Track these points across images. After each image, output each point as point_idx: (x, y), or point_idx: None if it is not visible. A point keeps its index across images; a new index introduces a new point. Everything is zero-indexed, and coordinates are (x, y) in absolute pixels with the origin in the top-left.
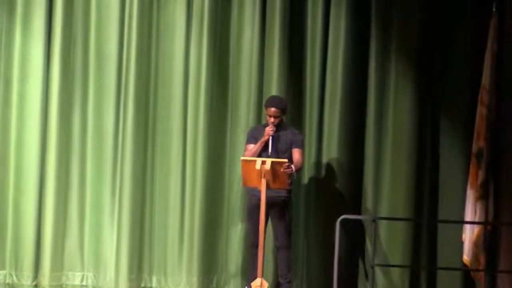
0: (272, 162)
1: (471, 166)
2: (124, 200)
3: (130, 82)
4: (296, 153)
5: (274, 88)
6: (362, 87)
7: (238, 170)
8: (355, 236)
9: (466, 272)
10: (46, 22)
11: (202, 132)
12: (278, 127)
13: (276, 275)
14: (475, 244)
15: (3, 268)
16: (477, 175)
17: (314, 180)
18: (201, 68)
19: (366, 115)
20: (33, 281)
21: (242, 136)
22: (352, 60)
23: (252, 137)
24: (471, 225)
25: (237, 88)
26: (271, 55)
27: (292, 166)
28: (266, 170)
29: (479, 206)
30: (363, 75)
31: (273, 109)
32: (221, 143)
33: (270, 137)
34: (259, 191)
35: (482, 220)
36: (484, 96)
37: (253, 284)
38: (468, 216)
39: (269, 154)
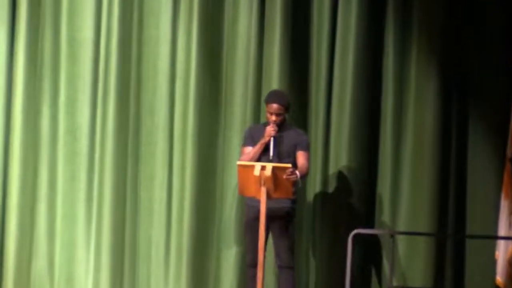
0: (274, 167)
1: (505, 173)
2: (103, 212)
3: (109, 74)
4: (300, 157)
5: (274, 82)
6: (377, 80)
7: (234, 176)
8: (370, 253)
9: None
10: (10, 3)
11: (192, 132)
12: (281, 126)
13: None
14: (510, 263)
15: None
16: None
17: (322, 188)
18: (190, 58)
19: (381, 114)
20: None
21: (237, 137)
22: (365, 49)
23: (250, 138)
24: (506, 241)
25: (232, 81)
26: (271, 44)
27: (297, 172)
28: (267, 177)
29: None
30: (378, 66)
31: (275, 105)
32: (214, 144)
33: (272, 138)
34: (258, 201)
35: None
36: None
37: None
38: (502, 231)
39: (270, 158)
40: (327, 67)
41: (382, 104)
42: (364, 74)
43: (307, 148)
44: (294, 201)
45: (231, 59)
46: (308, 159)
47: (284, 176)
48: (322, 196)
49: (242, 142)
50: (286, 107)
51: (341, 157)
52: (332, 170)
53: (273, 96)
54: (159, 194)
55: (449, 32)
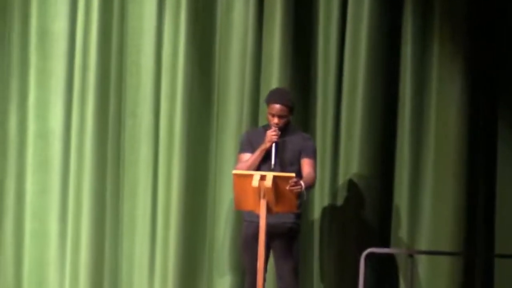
0: (275, 177)
1: None
2: (79, 228)
3: (86, 70)
4: (306, 165)
5: (275, 78)
6: (393, 75)
7: (229, 188)
8: (385, 275)
9: None
10: None
11: (180, 136)
12: (284, 130)
13: None
14: None
15: None
16: None
17: (330, 201)
18: (177, 51)
19: (398, 115)
20: None
21: (233, 142)
22: (379, 38)
23: (248, 144)
24: None
25: (226, 77)
26: (271, 34)
27: (302, 182)
28: (267, 188)
29: None
30: (395, 57)
31: (277, 106)
32: (205, 150)
33: (273, 144)
34: (257, 216)
35: None
36: None
37: None
38: None
39: (272, 166)
40: (336, 61)
41: (399, 103)
42: (379, 69)
43: (313, 155)
44: (298, 216)
45: (225, 52)
46: (315, 167)
47: (287, 187)
48: (331, 209)
49: (239, 148)
50: (290, 108)
51: (352, 165)
52: (342, 179)
53: (275, 96)
54: (143, 207)
55: (475, 21)
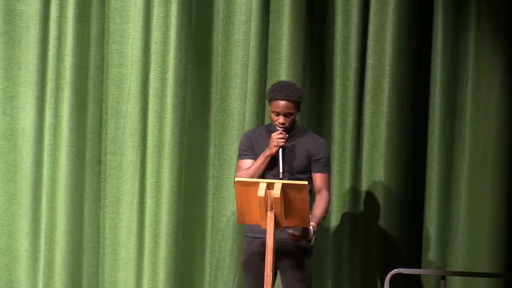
0: (284, 185)
1: None
2: (53, 247)
3: (61, 60)
4: (318, 181)
5: (283, 70)
6: (423, 65)
7: (230, 199)
8: None
9: None
10: None
11: (171, 139)
12: (291, 131)
13: None
14: None
15: None
16: None
17: (350, 215)
18: (168, 37)
19: (429, 113)
20: None
21: (235, 145)
22: (407, 22)
23: (249, 149)
24: None
25: (226, 69)
26: (279, 17)
27: (310, 227)
28: (275, 198)
29: None
30: (425, 44)
31: (282, 102)
32: (202, 156)
33: (280, 149)
34: (263, 232)
35: None
36: None
37: None
38: None
39: (280, 175)
40: (357, 50)
41: (431, 98)
42: (407, 57)
43: (327, 167)
44: (312, 232)
45: (226, 39)
46: (329, 184)
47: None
48: (351, 224)
49: (238, 153)
50: (297, 104)
51: (376, 174)
52: (365, 190)
53: (280, 90)
54: (127, 223)
55: None
